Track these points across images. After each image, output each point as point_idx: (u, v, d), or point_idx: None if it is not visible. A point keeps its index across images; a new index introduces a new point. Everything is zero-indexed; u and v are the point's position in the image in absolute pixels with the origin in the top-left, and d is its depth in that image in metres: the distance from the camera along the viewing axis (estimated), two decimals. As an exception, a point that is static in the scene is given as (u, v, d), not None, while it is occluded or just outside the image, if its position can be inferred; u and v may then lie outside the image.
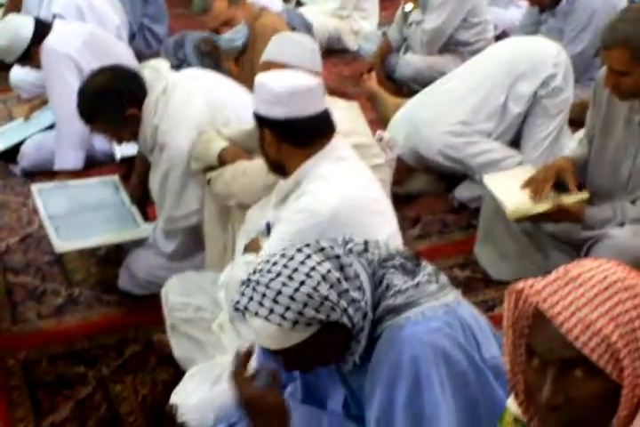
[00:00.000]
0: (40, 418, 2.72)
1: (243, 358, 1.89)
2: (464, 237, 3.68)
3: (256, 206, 2.65)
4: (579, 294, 1.20)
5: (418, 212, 3.85)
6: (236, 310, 1.77)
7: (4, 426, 2.50)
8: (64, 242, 3.25)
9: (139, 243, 3.37)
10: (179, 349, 2.74)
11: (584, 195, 3.01)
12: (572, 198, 2.98)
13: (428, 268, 1.93)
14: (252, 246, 2.50)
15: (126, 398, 2.79)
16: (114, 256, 3.56)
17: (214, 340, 2.63)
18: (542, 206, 2.97)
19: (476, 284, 3.25)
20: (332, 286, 1.72)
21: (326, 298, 1.70)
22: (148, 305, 3.21)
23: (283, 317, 1.69)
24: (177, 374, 2.73)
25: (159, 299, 2.89)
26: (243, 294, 1.74)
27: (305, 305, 1.69)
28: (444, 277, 1.94)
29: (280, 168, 2.40)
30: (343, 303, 1.73)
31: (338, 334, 1.76)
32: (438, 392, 1.79)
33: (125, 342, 3.09)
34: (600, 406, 1.21)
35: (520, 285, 1.27)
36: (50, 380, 2.91)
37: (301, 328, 1.71)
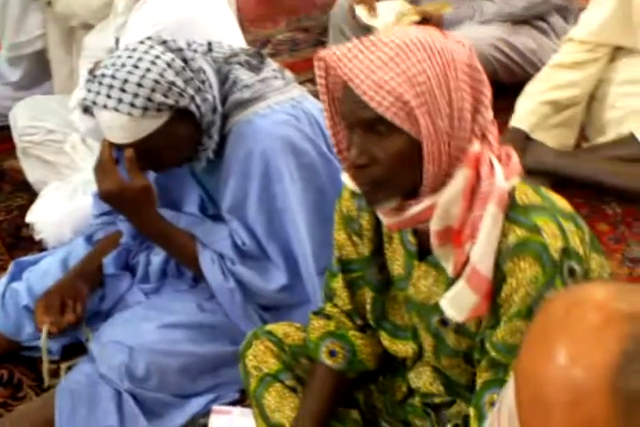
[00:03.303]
0: None
1: (107, 149, 1.82)
2: (314, 54, 3.70)
3: (94, 31, 2.58)
4: (375, 57, 1.21)
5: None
6: (85, 109, 1.76)
7: None
8: None
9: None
10: (32, 173, 2.71)
11: (445, 3, 3.01)
12: (432, 6, 2.98)
13: (272, 64, 1.96)
14: (100, 69, 2.44)
15: (-17, 227, 2.76)
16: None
17: (67, 161, 2.63)
18: (410, 18, 2.91)
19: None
20: (177, 73, 1.73)
21: (173, 84, 1.72)
22: (-2, 137, 3.13)
23: (132, 104, 1.69)
24: (32, 199, 2.68)
25: (9, 130, 2.82)
26: (89, 91, 1.73)
27: (153, 90, 1.70)
28: (289, 74, 1.97)
29: None
30: (190, 90, 1.74)
31: (188, 125, 1.78)
32: (288, 184, 1.85)
33: (-24, 172, 3.03)
34: (404, 163, 1.24)
35: (323, 52, 1.28)
36: None
37: (152, 115, 1.71)
